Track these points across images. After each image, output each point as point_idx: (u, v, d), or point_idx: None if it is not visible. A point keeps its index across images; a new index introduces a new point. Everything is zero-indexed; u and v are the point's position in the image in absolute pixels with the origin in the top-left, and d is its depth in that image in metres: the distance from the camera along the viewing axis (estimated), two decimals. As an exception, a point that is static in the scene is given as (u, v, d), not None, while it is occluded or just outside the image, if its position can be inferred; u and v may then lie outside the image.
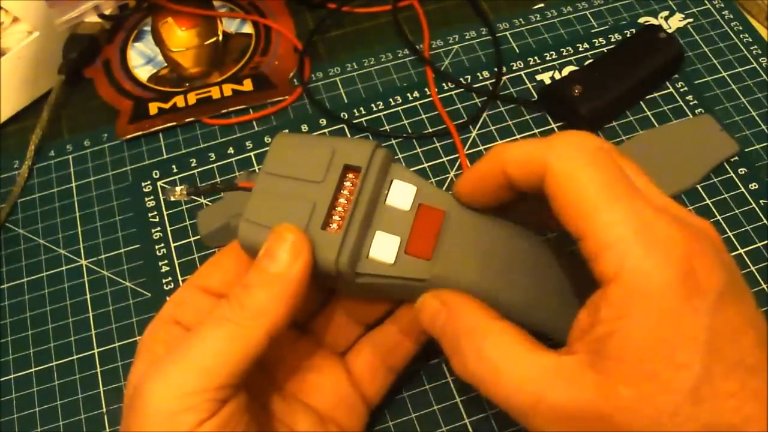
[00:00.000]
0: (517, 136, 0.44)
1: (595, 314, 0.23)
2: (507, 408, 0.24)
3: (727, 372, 0.21)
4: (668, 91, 0.46)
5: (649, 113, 0.45)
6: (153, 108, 0.47)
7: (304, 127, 0.46)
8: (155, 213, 0.43)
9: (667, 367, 0.21)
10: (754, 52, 0.47)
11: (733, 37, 0.48)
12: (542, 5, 0.51)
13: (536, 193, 0.26)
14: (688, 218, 0.24)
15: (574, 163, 0.24)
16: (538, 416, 0.23)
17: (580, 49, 0.48)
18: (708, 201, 0.41)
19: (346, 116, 0.46)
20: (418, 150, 0.44)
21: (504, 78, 0.47)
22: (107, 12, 0.50)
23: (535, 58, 0.48)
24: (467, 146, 0.44)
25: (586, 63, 0.47)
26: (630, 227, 0.23)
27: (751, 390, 0.21)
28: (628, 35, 0.48)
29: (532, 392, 0.23)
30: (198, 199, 0.43)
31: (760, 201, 0.41)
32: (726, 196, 0.41)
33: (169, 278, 0.41)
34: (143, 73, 0.49)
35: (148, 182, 0.44)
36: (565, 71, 0.47)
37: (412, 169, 0.29)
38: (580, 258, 0.24)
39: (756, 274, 0.39)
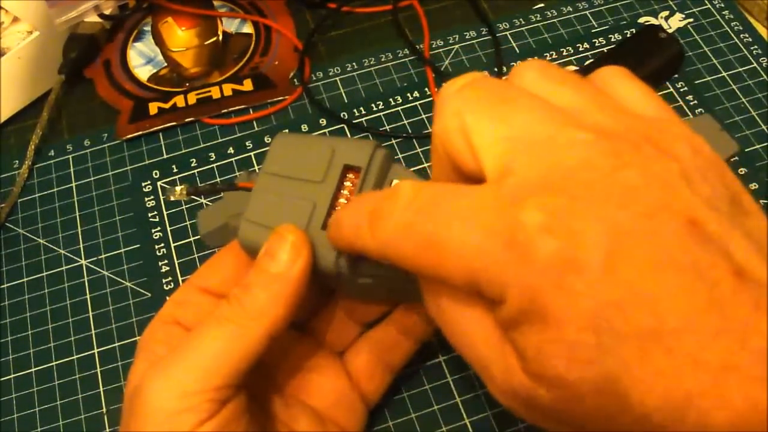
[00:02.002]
0: (517, 136, 0.44)
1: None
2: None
3: (643, 349, 0.17)
4: (668, 91, 0.46)
5: (649, 113, 0.45)
6: (153, 108, 0.47)
7: (304, 127, 0.46)
8: (155, 213, 0.43)
9: (569, 368, 0.18)
10: (754, 52, 0.47)
11: (733, 37, 0.48)
12: (542, 5, 0.51)
13: None
14: (556, 156, 0.20)
15: (393, 241, 0.22)
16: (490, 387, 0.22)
17: (580, 49, 0.48)
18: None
19: (346, 116, 0.46)
20: (418, 150, 0.44)
21: (503, 78, 0.47)
22: (107, 12, 0.50)
23: (536, 58, 0.48)
24: (467, 146, 0.44)
25: (586, 63, 0.47)
26: (475, 249, 0.19)
27: (684, 356, 0.17)
28: (628, 35, 0.48)
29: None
30: (198, 199, 0.43)
31: (760, 201, 0.41)
32: (726, 196, 0.41)
33: (169, 278, 0.41)
34: (143, 73, 0.49)
35: (148, 182, 0.44)
36: (565, 71, 0.47)
37: (412, 169, 0.29)
38: None
39: (756, 274, 0.39)
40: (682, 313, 0.17)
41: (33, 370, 0.38)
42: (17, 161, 0.46)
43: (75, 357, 0.39)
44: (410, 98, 0.47)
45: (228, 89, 0.48)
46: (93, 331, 0.39)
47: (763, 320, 0.17)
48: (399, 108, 0.46)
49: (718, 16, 0.49)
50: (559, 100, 0.21)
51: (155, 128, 0.46)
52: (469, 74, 0.23)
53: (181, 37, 0.51)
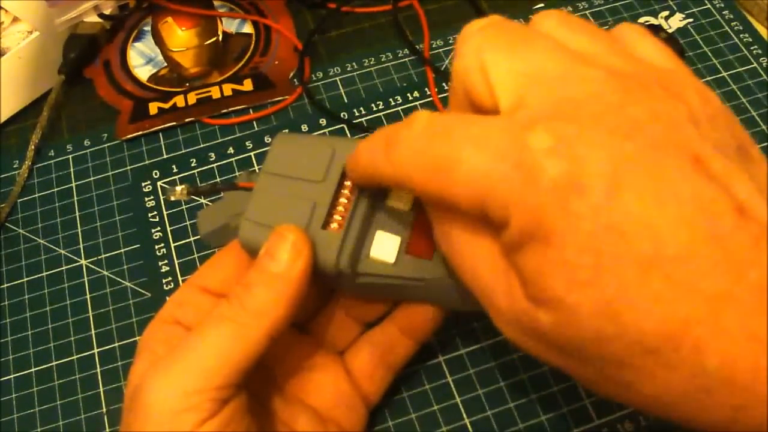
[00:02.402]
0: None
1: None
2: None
3: (643, 274, 0.18)
4: (668, 91, 0.46)
5: (649, 113, 0.45)
6: (153, 108, 0.47)
7: (304, 127, 0.46)
8: (155, 213, 0.43)
9: (570, 288, 0.18)
10: (754, 52, 0.47)
11: (733, 37, 0.48)
12: (542, 5, 0.51)
13: None
14: (566, 87, 0.21)
15: (407, 161, 0.22)
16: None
17: (580, 49, 0.48)
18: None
19: (346, 116, 0.46)
20: (418, 150, 0.44)
21: (504, 78, 0.47)
22: (107, 12, 0.50)
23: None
24: (467, 146, 0.44)
25: (586, 63, 0.47)
26: (484, 169, 0.20)
27: (680, 284, 0.17)
28: (628, 35, 0.48)
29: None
30: (198, 199, 0.43)
31: (760, 201, 0.41)
32: (726, 196, 0.41)
33: (169, 278, 0.41)
34: (143, 73, 0.49)
35: (148, 182, 0.44)
36: (565, 71, 0.47)
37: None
38: None
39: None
40: (682, 241, 0.17)
41: (33, 370, 0.38)
42: (17, 161, 0.46)
43: (75, 357, 0.39)
44: (410, 98, 0.47)
45: (228, 89, 0.48)
46: (93, 331, 0.39)
47: (761, 255, 0.17)
48: (399, 108, 0.46)
49: (718, 16, 0.49)
50: (575, 45, 0.22)
51: (155, 128, 0.46)
52: (490, 16, 0.24)
53: (181, 37, 0.51)
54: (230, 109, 0.47)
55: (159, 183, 0.44)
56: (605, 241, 0.18)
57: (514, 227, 0.19)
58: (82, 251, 0.42)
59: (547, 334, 0.20)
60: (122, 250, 0.42)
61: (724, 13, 0.50)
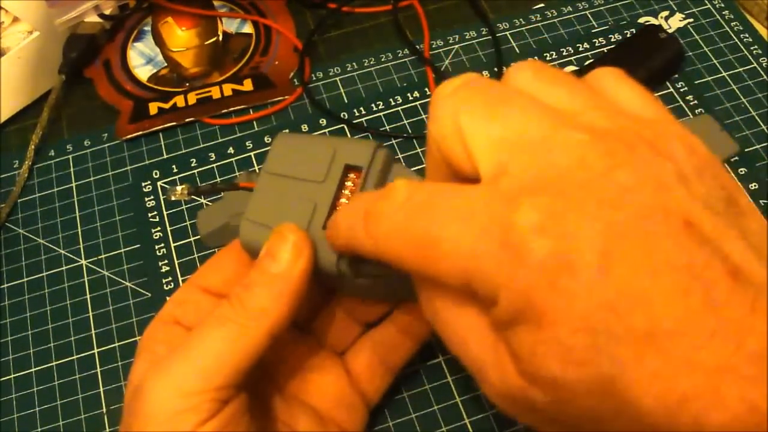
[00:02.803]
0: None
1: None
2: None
3: (640, 350, 0.17)
4: (668, 91, 0.46)
5: (649, 113, 0.45)
6: (153, 108, 0.47)
7: (304, 127, 0.46)
8: (155, 213, 0.43)
9: (564, 368, 0.18)
10: (754, 52, 0.48)
11: (733, 37, 0.48)
12: (542, 5, 0.51)
13: None
14: (546, 157, 0.20)
15: (387, 239, 0.22)
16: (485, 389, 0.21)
17: (580, 49, 0.48)
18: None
19: (346, 116, 0.46)
20: (418, 150, 0.44)
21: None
22: (107, 12, 0.50)
23: (536, 58, 0.48)
24: (467, 146, 0.44)
25: (586, 63, 0.47)
26: (469, 250, 0.20)
27: (679, 359, 0.17)
28: (628, 35, 0.48)
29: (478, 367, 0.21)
30: (198, 199, 0.43)
31: (760, 201, 0.41)
32: (726, 196, 0.41)
33: (169, 278, 0.41)
34: (143, 73, 0.49)
35: (148, 182, 0.44)
36: (566, 71, 0.47)
37: (412, 169, 0.29)
38: None
39: (756, 274, 0.39)
40: (676, 314, 0.17)
41: (33, 370, 0.38)
42: (17, 161, 0.46)
43: (75, 357, 0.39)
44: (410, 98, 0.47)
45: (228, 89, 0.48)
46: (93, 331, 0.39)
47: (759, 322, 0.17)
48: (399, 108, 0.46)
49: (718, 16, 0.49)
50: (553, 100, 0.21)
51: (155, 128, 0.46)
52: (463, 75, 0.23)
53: (181, 37, 0.51)
54: (230, 109, 0.47)
55: (159, 183, 0.44)
56: (599, 319, 0.17)
57: (503, 306, 0.19)
58: (82, 251, 0.42)
59: (541, 409, 0.19)
60: (122, 250, 0.42)
61: (724, 13, 0.50)
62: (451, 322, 0.22)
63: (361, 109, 0.47)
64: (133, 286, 0.41)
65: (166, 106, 0.47)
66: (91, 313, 0.40)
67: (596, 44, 0.49)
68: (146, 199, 0.44)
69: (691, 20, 0.49)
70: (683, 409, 0.17)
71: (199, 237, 0.41)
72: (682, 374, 0.17)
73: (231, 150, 0.45)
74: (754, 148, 0.43)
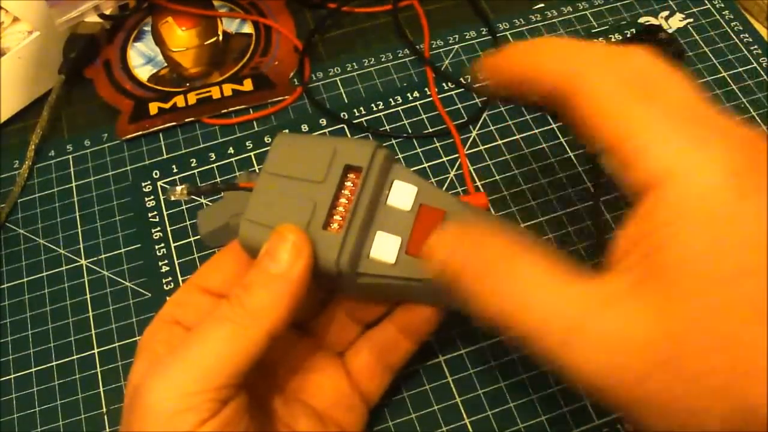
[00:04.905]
0: (518, 136, 0.44)
1: (640, 227, 0.20)
2: (538, 345, 0.21)
3: None
4: (668, 91, 0.46)
5: (649, 113, 0.45)
6: (153, 108, 0.47)
7: (304, 127, 0.46)
8: (155, 213, 0.43)
9: (734, 275, 0.18)
10: (754, 52, 0.47)
11: (733, 37, 0.48)
12: (542, 5, 0.51)
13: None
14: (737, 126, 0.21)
15: (605, 68, 0.22)
16: (575, 346, 0.20)
17: (580, 49, 0.48)
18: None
19: (346, 116, 0.46)
20: (418, 150, 0.44)
21: (504, 78, 0.47)
22: (107, 12, 0.50)
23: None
24: (467, 146, 0.44)
25: (586, 63, 0.47)
26: (669, 126, 0.20)
27: None
28: (629, 35, 0.48)
29: (570, 319, 0.20)
30: (198, 199, 0.43)
31: (760, 201, 0.41)
32: (726, 196, 0.41)
33: (169, 278, 0.41)
34: (143, 72, 0.49)
35: (148, 182, 0.44)
36: (565, 71, 0.47)
37: (412, 169, 0.29)
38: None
39: (756, 274, 0.39)
40: None
41: (33, 370, 0.38)
42: (17, 161, 0.46)
43: (75, 357, 0.39)
44: (410, 98, 0.47)
45: (228, 89, 0.48)
46: (93, 331, 0.39)
47: None
48: (399, 108, 0.46)
49: (718, 16, 0.49)
50: None
51: (155, 128, 0.46)
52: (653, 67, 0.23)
53: (181, 37, 0.51)
54: (230, 109, 0.47)
55: (159, 183, 0.44)
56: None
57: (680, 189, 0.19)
58: (82, 251, 0.42)
59: (673, 337, 0.19)
60: (122, 250, 0.42)
61: (724, 13, 0.50)
62: (535, 296, 0.21)
63: (361, 109, 0.47)
64: (133, 286, 0.41)
65: (166, 106, 0.47)
66: (91, 313, 0.40)
67: (596, 44, 0.49)
68: (146, 199, 0.44)
69: (691, 20, 0.49)
70: None
71: (199, 237, 0.41)
72: None
73: (231, 150, 0.45)
74: (754, 148, 0.43)
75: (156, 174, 0.45)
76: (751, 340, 0.18)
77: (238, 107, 0.47)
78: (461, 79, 0.47)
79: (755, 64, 0.47)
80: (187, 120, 0.47)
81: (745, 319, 0.18)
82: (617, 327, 0.19)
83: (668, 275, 0.19)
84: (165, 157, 0.45)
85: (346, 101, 0.47)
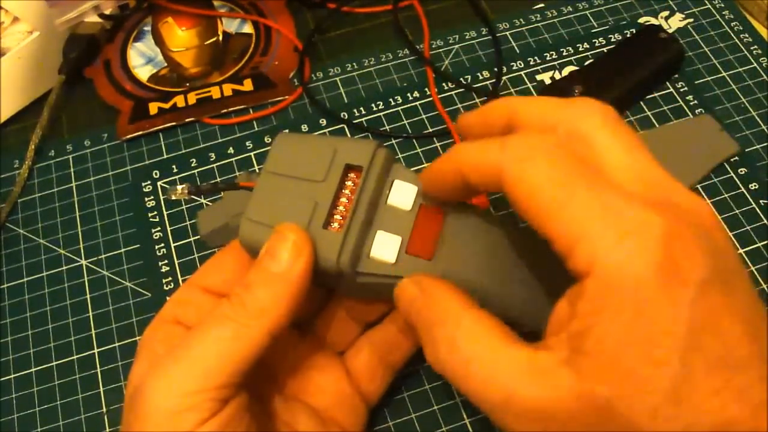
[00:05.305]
0: (518, 136, 0.44)
1: (572, 309, 0.22)
2: (478, 403, 0.23)
3: (710, 368, 0.20)
4: (668, 91, 0.46)
5: (649, 113, 0.45)
6: (153, 108, 0.47)
7: (304, 127, 0.46)
8: (155, 213, 0.43)
9: (644, 364, 0.20)
10: (754, 52, 0.48)
11: (733, 37, 0.48)
12: (542, 5, 0.51)
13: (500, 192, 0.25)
14: (675, 197, 0.23)
15: (526, 165, 0.23)
16: (509, 414, 0.22)
17: (581, 49, 0.48)
18: (708, 201, 0.41)
19: (346, 116, 0.46)
20: (418, 150, 0.44)
21: (504, 78, 0.47)
22: (107, 12, 0.50)
23: (535, 58, 0.48)
24: (467, 146, 0.44)
25: (587, 63, 0.47)
26: (596, 218, 0.21)
27: (735, 388, 0.20)
28: (629, 35, 0.48)
29: (503, 388, 0.22)
30: (198, 199, 0.43)
31: (760, 201, 0.41)
32: (726, 196, 0.41)
33: (169, 278, 0.41)
34: (143, 73, 0.49)
35: (148, 182, 0.44)
36: (566, 71, 0.47)
37: (412, 169, 0.29)
38: None
39: (756, 274, 0.39)
40: (744, 353, 0.20)
41: (33, 370, 0.38)
42: (17, 161, 0.46)
43: (75, 357, 0.39)
44: (410, 98, 0.47)
45: (228, 89, 0.48)
46: (93, 331, 0.39)
47: None
48: (399, 108, 0.46)
49: (718, 16, 0.49)
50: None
51: (155, 128, 0.46)
52: (560, 131, 0.25)
53: (181, 37, 0.51)
54: (230, 109, 0.47)
55: (159, 183, 0.44)
56: (689, 330, 0.20)
57: (606, 279, 0.21)
58: (82, 251, 0.42)
59: (596, 410, 0.20)
60: (122, 250, 0.42)
61: (724, 13, 0.50)
62: (475, 355, 0.23)
63: (361, 109, 0.47)
64: (133, 286, 0.41)
65: (166, 106, 0.47)
66: (91, 313, 0.40)
67: (596, 44, 0.49)
68: (146, 199, 0.44)
69: (691, 20, 0.49)
70: (728, 428, 0.20)
71: (199, 237, 0.41)
72: (737, 401, 0.20)
73: (231, 150, 0.45)
74: (754, 148, 0.43)
75: (156, 174, 0.45)
76: (657, 425, 0.20)
77: (238, 107, 0.47)
78: (461, 79, 0.47)
79: (755, 64, 0.47)
80: (187, 120, 0.47)
81: (654, 404, 0.20)
82: (545, 397, 0.21)
83: (588, 361, 0.21)
84: (165, 157, 0.45)
85: (346, 101, 0.47)
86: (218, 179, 0.44)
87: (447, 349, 0.24)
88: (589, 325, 0.21)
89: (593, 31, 0.49)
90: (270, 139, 0.46)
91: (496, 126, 0.27)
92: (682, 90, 0.46)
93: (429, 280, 0.27)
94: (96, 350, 0.39)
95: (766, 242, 0.40)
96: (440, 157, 0.27)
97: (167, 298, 0.40)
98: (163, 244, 0.42)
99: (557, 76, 0.47)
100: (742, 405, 0.20)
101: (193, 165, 0.45)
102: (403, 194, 0.28)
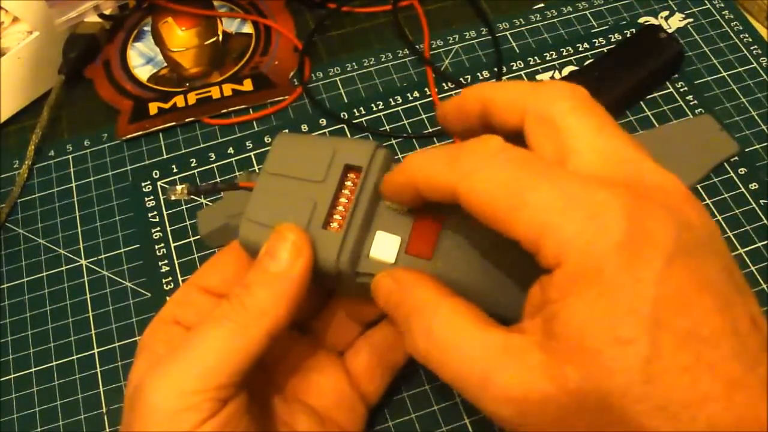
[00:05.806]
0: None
1: (543, 294, 0.22)
2: (459, 390, 0.23)
3: (679, 344, 0.19)
4: (668, 91, 0.46)
5: (649, 113, 0.45)
6: (153, 108, 0.47)
7: (304, 127, 0.46)
8: (155, 213, 0.43)
9: (610, 344, 0.20)
10: (754, 52, 0.47)
11: (733, 37, 0.48)
12: (542, 5, 0.51)
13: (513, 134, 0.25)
14: (642, 175, 0.23)
15: (475, 177, 0.23)
16: (486, 396, 0.22)
17: (580, 49, 0.48)
18: (708, 201, 0.41)
19: (346, 116, 0.46)
20: (418, 150, 0.44)
21: (504, 78, 0.47)
22: (107, 12, 0.50)
23: (535, 58, 0.48)
24: (467, 146, 0.44)
25: (586, 63, 0.47)
26: (556, 210, 0.21)
27: (707, 363, 0.19)
28: (628, 35, 0.48)
29: (479, 370, 0.22)
30: (198, 199, 0.43)
31: (760, 201, 0.41)
32: (726, 196, 0.41)
33: (169, 278, 0.41)
34: (143, 73, 0.49)
35: (148, 182, 0.44)
36: (565, 71, 0.47)
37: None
38: None
39: (756, 274, 0.39)
40: (715, 326, 0.20)
41: (33, 370, 0.38)
42: (17, 161, 0.46)
43: (75, 357, 0.39)
44: (410, 98, 0.47)
45: (228, 89, 0.48)
46: (93, 331, 0.39)
47: (765, 358, 0.20)
48: (399, 108, 0.46)
49: (718, 16, 0.49)
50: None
51: (155, 128, 0.46)
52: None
53: (181, 37, 0.51)
54: (230, 109, 0.47)
55: (159, 183, 0.44)
56: (654, 307, 0.19)
57: (570, 266, 0.21)
58: (82, 251, 0.42)
59: (568, 392, 0.20)
60: (122, 250, 0.42)
61: (724, 13, 0.50)
62: (452, 341, 0.23)
63: (361, 109, 0.47)
64: (133, 286, 0.41)
65: (166, 106, 0.47)
66: (91, 313, 0.40)
67: (596, 44, 0.49)
68: (146, 199, 0.44)
69: (691, 20, 0.49)
70: (703, 406, 0.19)
71: (199, 237, 0.41)
72: (707, 377, 0.19)
73: (231, 150, 0.45)
74: (754, 148, 0.43)
75: (156, 174, 0.45)
76: (628, 405, 0.20)
77: (238, 107, 0.47)
78: (461, 79, 0.47)
79: (755, 64, 0.47)
80: (187, 120, 0.47)
81: (624, 384, 0.20)
82: (519, 378, 0.21)
83: (558, 344, 0.21)
84: (165, 157, 0.45)
85: (346, 101, 0.47)
86: (218, 179, 0.44)
87: (425, 339, 0.24)
88: (558, 309, 0.21)
89: (593, 31, 0.49)
90: (270, 139, 0.46)
91: (472, 114, 0.27)
92: (682, 90, 0.46)
93: (404, 273, 0.26)
94: (96, 350, 0.39)
95: (766, 242, 0.40)
96: (396, 168, 0.27)
97: (167, 298, 0.40)
98: (163, 244, 0.42)
99: (557, 76, 0.47)
100: (714, 381, 0.19)
101: (193, 165, 0.45)
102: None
